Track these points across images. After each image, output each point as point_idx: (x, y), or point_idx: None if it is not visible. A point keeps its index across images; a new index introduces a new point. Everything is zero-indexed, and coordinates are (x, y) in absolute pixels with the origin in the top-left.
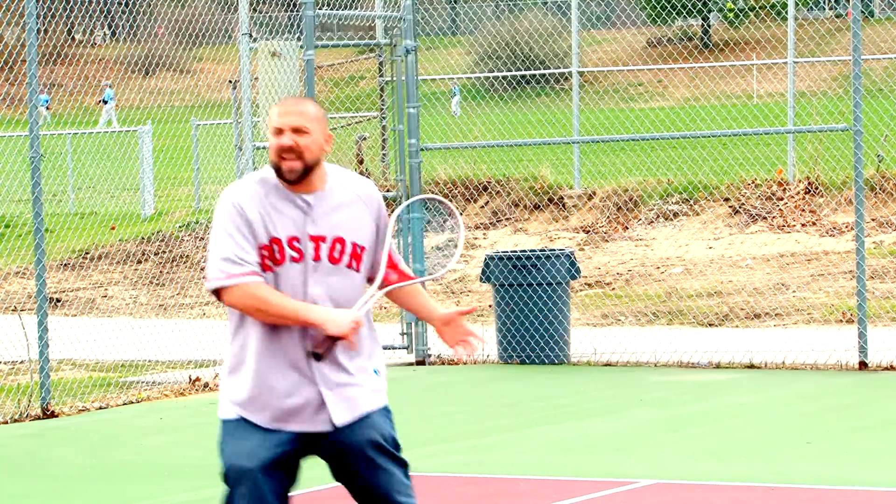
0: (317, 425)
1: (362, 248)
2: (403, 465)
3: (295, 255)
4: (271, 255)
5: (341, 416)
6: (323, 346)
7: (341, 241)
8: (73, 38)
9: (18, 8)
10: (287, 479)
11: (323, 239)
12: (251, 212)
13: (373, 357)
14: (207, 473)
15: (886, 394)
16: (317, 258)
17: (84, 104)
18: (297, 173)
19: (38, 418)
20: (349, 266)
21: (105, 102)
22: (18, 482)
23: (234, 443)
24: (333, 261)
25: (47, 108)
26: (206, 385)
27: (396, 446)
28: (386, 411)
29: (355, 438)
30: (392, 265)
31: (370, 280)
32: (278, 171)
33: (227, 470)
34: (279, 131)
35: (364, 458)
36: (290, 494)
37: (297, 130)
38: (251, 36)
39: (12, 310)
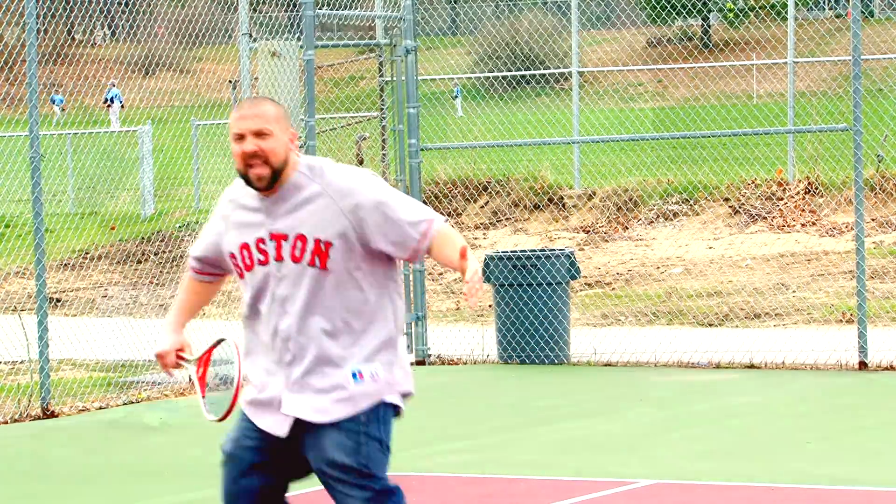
0: (275, 428)
1: (327, 245)
2: (362, 486)
3: (261, 257)
4: (242, 261)
5: (286, 425)
6: None
7: (302, 238)
8: (72, 38)
9: (18, 8)
10: (273, 475)
11: (284, 237)
12: (228, 214)
13: (356, 357)
14: (208, 473)
15: (886, 394)
16: (279, 258)
17: (84, 104)
18: (266, 180)
19: (38, 418)
20: (311, 264)
21: (111, 102)
22: (18, 482)
23: (234, 426)
24: (295, 259)
25: (62, 109)
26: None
27: (351, 469)
28: (353, 423)
29: (311, 454)
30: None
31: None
32: (246, 180)
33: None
34: (240, 137)
35: (320, 474)
36: (286, 493)
37: (258, 134)
38: (251, 36)
39: (12, 310)
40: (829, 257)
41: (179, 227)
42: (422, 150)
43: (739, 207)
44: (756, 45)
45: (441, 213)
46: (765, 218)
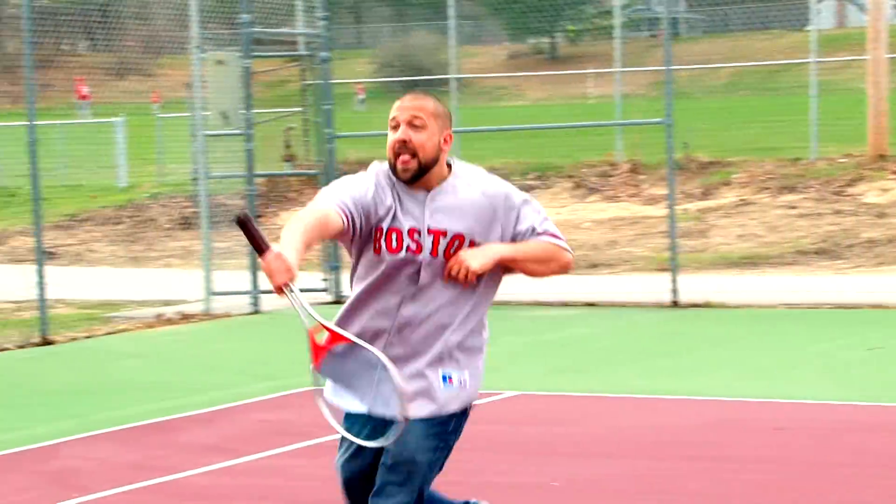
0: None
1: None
2: (409, 492)
3: (413, 245)
4: (388, 243)
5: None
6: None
7: (460, 237)
8: (60, 48)
9: (19, 24)
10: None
11: (443, 233)
12: (384, 192)
13: (450, 360)
14: (170, 389)
15: (693, 325)
16: (434, 253)
17: (69, 100)
18: (410, 172)
19: (38, 345)
20: None
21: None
22: (23, 396)
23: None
24: (449, 257)
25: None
26: (168, 320)
27: (408, 471)
28: (428, 425)
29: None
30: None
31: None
32: (393, 169)
33: None
34: (395, 126)
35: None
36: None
37: (411, 124)
38: (201, 48)
39: (17, 261)
40: (648, 221)
41: (147, 196)
42: (336, 137)
43: (580, 182)
44: (591, 57)
45: None
46: (599, 191)
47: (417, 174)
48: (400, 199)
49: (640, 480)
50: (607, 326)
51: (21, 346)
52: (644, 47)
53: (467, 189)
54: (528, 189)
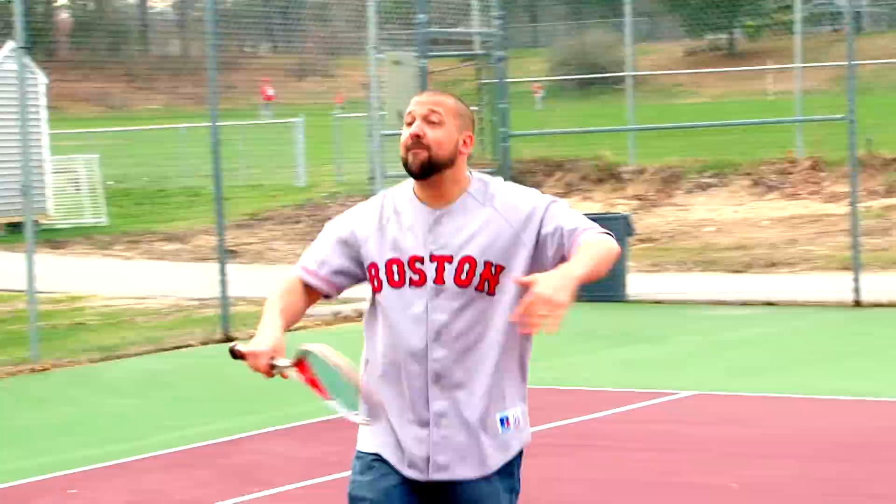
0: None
1: (498, 268)
2: None
3: (415, 277)
4: (389, 276)
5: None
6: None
7: (470, 260)
8: (243, 51)
9: (203, 28)
10: None
11: (448, 259)
12: (364, 230)
13: (500, 397)
14: None
15: (877, 325)
16: (439, 281)
17: (252, 101)
18: (422, 166)
19: (221, 342)
20: (479, 289)
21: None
22: (205, 392)
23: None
24: (461, 283)
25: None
26: (345, 317)
27: None
28: (502, 478)
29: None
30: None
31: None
32: (405, 166)
33: None
34: (410, 121)
35: None
36: None
37: (427, 119)
38: (378, 49)
39: (201, 259)
40: (829, 219)
41: (325, 195)
42: (511, 136)
43: (758, 180)
44: (771, 53)
45: (525, 185)
46: (778, 188)
47: (428, 167)
48: (401, 226)
49: (821, 484)
50: (787, 326)
51: (204, 343)
52: (825, 42)
53: (478, 207)
54: (705, 187)
